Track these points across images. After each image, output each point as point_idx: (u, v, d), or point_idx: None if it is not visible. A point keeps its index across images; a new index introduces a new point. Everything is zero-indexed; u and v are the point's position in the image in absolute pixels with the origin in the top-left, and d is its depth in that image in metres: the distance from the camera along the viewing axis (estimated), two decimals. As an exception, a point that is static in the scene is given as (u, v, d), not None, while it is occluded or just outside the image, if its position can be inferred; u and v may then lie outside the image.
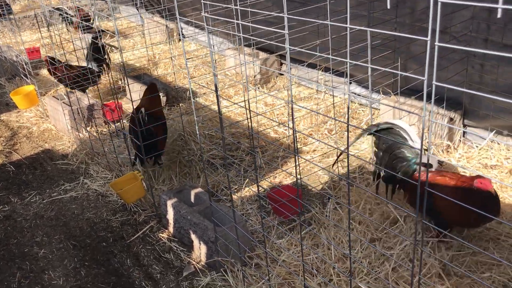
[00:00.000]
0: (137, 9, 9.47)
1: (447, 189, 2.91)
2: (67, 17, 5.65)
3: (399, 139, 3.26)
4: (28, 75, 6.44)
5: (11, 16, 8.78)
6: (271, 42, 2.26)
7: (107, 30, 8.78)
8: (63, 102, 5.45)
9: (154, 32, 8.22)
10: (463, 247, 3.08)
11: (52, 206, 4.36)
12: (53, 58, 5.99)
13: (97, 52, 5.96)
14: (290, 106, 2.16)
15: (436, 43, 1.37)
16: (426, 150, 3.35)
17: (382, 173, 3.45)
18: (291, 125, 2.72)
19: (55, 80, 6.21)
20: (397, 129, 3.31)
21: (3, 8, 8.52)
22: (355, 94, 5.34)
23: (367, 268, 3.03)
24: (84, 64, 6.30)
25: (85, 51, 6.17)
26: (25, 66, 6.38)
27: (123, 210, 4.18)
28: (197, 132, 2.99)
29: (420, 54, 4.37)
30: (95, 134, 5.32)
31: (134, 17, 9.77)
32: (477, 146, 4.22)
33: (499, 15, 1.18)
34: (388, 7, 1.48)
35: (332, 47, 4.03)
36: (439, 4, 1.33)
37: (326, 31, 3.90)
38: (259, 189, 4.09)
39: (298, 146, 4.66)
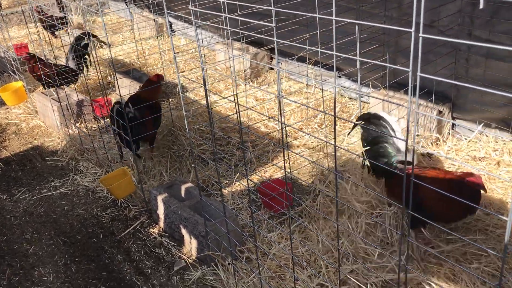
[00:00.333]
0: (126, 4, 9.40)
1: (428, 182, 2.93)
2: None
3: (382, 129, 3.32)
4: (16, 71, 6.38)
5: (-2, 12, 8.67)
6: (261, 36, 2.25)
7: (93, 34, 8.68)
8: (52, 98, 5.41)
9: (143, 27, 8.17)
10: (451, 239, 3.12)
11: (42, 202, 4.33)
12: (33, 56, 5.90)
13: (78, 51, 5.90)
14: (279, 100, 2.17)
15: (420, 34, 1.38)
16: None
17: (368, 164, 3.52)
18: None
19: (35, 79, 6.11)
20: (380, 120, 3.38)
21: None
22: (345, 88, 5.35)
23: (352, 258, 3.05)
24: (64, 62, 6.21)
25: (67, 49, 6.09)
26: (13, 63, 6.31)
27: (113, 206, 4.17)
28: (187, 127, 2.99)
29: (408, 48, 4.39)
30: (84, 130, 5.29)
31: (123, 12, 9.70)
32: (466, 139, 4.26)
33: (481, 6, 1.19)
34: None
35: (322, 41, 4.03)
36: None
37: (315, 24, 3.90)
38: (250, 184, 4.09)
39: (288, 140, 4.67)
